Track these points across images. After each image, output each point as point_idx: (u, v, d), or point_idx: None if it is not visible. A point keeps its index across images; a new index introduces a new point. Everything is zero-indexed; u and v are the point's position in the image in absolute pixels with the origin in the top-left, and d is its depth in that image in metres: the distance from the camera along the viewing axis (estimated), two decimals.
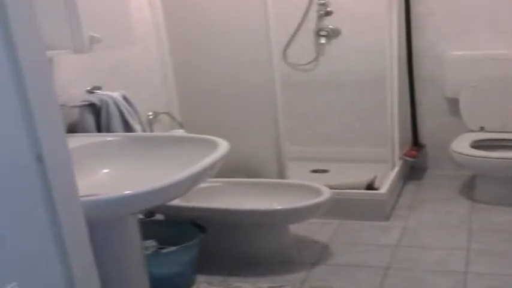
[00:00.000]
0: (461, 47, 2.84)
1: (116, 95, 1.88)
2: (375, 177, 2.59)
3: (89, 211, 0.90)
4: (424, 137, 3.09)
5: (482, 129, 2.82)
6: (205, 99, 2.50)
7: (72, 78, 1.87)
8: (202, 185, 1.60)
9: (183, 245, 1.88)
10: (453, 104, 2.92)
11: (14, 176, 0.75)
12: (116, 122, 1.84)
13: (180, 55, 2.47)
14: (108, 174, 1.48)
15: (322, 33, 3.02)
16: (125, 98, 1.91)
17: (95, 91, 1.87)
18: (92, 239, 0.90)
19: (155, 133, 2.23)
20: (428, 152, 3.09)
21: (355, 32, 2.97)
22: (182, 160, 1.36)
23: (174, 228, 2.02)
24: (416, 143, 3.07)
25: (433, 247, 2.20)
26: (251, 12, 2.33)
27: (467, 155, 2.54)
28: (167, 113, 2.42)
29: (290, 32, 3.07)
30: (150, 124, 2.28)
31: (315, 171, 3.02)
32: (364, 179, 2.56)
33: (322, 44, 3.04)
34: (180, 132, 2.29)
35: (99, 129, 1.83)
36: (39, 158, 0.77)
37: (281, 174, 2.48)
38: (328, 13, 2.98)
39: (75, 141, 1.47)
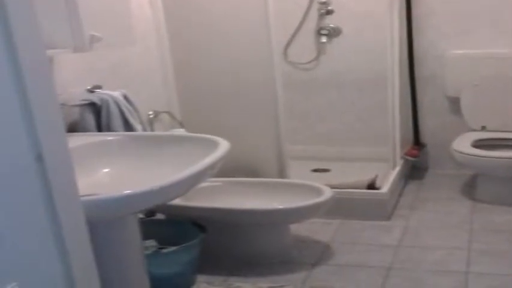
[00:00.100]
0: (463, 46, 2.83)
1: (117, 94, 1.88)
2: (376, 176, 2.58)
3: (89, 211, 0.90)
4: (425, 137, 3.08)
5: (483, 128, 2.81)
6: (205, 98, 2.50)
7: (73, 77, 1.87)
8: (203, 184, 1.60)
9: (184, 244, 1.88)
10: (454, 103, 2.92)
11: (14, 175, 0.74)
12: (116, 121, 1.83)
13: (180, 54, 2.47)
14: (109, 174, 1.47)
15: (323, 32, 3.02)
16: (125, 97, 1.91)
17: (95, 90, 1.87)
18: (92, 238, 0.89)
19: (155, 132, 2.23)
20: (429, 151, 3.09)
21: (356, 31, 2.96)
22: (182, 159, 1.36)
23: (175, 227, 2.01)
24: (417, 142, 3.07)
25: (434, 247, 2.20)
26: (252, 11, 2.33)
27: (469, 155, 2.54)
28: (167, 112, 2.42)
29: (291, 31, 3.06)
30: (151, 123, 2.28)
31: (315, 170, 3.01)
32: (365, 178, 2.56)
33: (323, 43, 3.03)
34: (181, 131, 2.28)
35: (99, 128, 1.82)
36: (39, 158, 0.77)
37: (282, 174, 2.48)
38: (329, 12, 2.98)
39: (76, 141, 1.47)
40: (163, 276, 1.82)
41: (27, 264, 0.77)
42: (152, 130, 2.26)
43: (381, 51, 2.69)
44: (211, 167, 1.32)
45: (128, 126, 1.86)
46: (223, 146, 1.41)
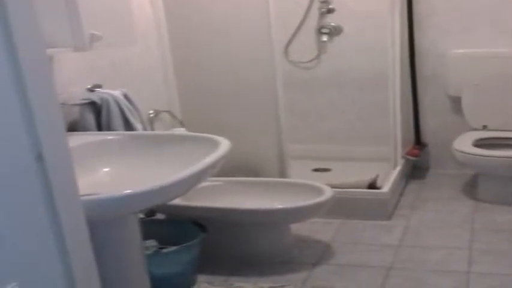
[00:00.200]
0: (464, 45, 2.83)
1: (117, 93, 1.87)
2: (377, 176, 2.58)
3: (90, 210, 0.90)
4: (427, 136, 3.08)
5: (485, 127, 2.81)
6: (206, 97, 2.49)
7: (73, 77, 1.86)
8: (204, 184, 1.59)
9: (184, 244, 1.88)
10: (456, 103, 2.91)
11: (14, 175, 0.74)
12: (117, 120, 1.83)
13: (181, 53, 2.46)
14: (109, 173, 1.47)
15: (324, 30, 3.01)
16: (126, 96, 1.90)
17: (96, 89, 1.86)
18: (93, 238, 0.89)
19: (156, 132, 2.22)
20: (430, 150, 3.08)
21: (357, 29, 2.96)
22: (183, 159, 1.35)
23: (175, 227, 2.01)
24: (418, 141, 3.06)
25: (435, 247, 2.19)
26: (252, 10, 2.32)
27: (470, 154, 2.53)
28: (168, 112, 2.41)
29: (291, 30, 3.05)
30: (151, 122, 2.27)
31: (316, 170, 3.01)
32: (366, 178, 2.55)
33: (324, 41, 3.02)
34: (181, 130, 2.28)
35: (99, 127, 1.82)
36: (40, 157, 0.77)
37: (282, 173, 2.48)
38: (330, 10, 2.97)
39: (76, 140, 1.46)
40: (164, 276, 1.81)
41: (27, 264, 0.77)
42: (153, 129, 2.25)
43: (382, 50, 2.69)
44: (211, 166, 1.31)
45: (128, 126, 1.86)
46: (224, 145, 1.40)
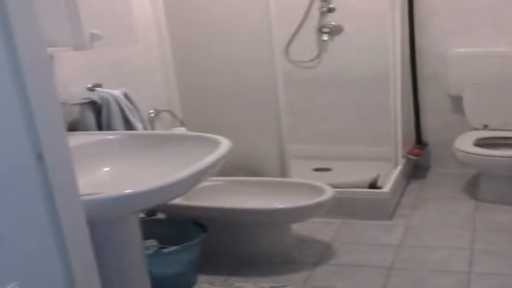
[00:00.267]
0: (465, 44, 2.82)
1: (117, 92, 1.87)
2: (378, 175, 2.57)
3: (90, 210, 0.90)
4: (427, 135, 3.07)
5: (485, 127, 2.80)
6: (206, 97, 2.49)
7: (73, 76, 1.86)
8: (204, 183, 1.59)
9: (184, 244, 1.87)
10: (456, 102, 2.91)
11: (14, 175, 0.74)
12: (117, 120, 1.82)
13: (181, 52, 2.46)
14: (109, 173, 1.47)
15: (325, 30, 3.01)
16: (126, 96, 1.90)
17: (96, 89, 1.86)
18: (93, 238, 0.89)
19: (156, 131, 2.22)
20: (431, 150, 3.08)
21: (357, 29, 2.95)
22: (183, 158, 1.35)
23: (175, 227, 2.00)
24: (419, 141, 3.06)
25: (436, 247, 2.19)
26: (253, 9, 2.32)
27: (471, 153, 2.53)
28: (168, 111, 2.41)
29: (292, 29, 3.05)
30: (151, 122, 2.27)
31: (317, 169, 3.00)
32: (367, 177, 2.55)
33: (325, 41, 3.02)
34: (182, 130, 2.27)
35: (99, 127, 1.81)
36: (40, 157, 0.77)
37: (283, 173, 2.47)
38: (330, 10, 2.97)
39: (76, 140, 1.46)
40: (164, 276, 1.81)
41: (28, 264, 0.77)
42: (153, 129, 2.25)
43: (383, 49, 2.68)
44: (212, 166, 1.31)
45: (128, 125, 1.85)
46: (225, 145, 1.40)
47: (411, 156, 2.91)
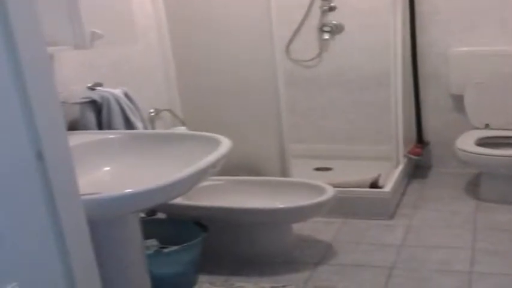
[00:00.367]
0: (466, 43, 2.82)
1: (117, 91, 1.86)
2: (379, 175, 2.57)
3: (90, 210, 0.89)
4: (429, 135, 3.07)
5: (487, 126, 2.80)
6: (207, 96, 2.49)
7: (73, 75, 1.85)
8: (205, 183, 1.59)
9: (185, 244, 1.87)
10: (458, 101, 2.90)
11: (14, 174, 0.74)
12: (117, 119, 1.82)
13: (182, 52, 2.45)
14: (109, 172, 1.46)
15: (326, 29, 3.00)
16: (126, 95, 1.90)
17: (96, 88, 1.85)
18: (93, 238, 0.88)
19: (157, 130, 2.22)
20: (432, 149, 3.07)
21: (359, 28, 2.95)
22: (184, 158, 1.34)
23: (176, 227, 2.00)
24: (420, 140, 3.05)
25: (437, 246, 2.18)
26: (254, 8, 2.31)
27: (472, 153, 2.52)
28: (169, 110, 2.41)
29: (293, 28, 3.05)
30: (152, 121, 2.26)
31: (318, 169, 3.00)
32: (368, 177, 2.54)
33: (326, 40, 3.01)
34: (182, 129, 2.27)
35: (100, 126, 1.81)
36: (40, 156, 0.76)
37: (284, 173, 2.47)
38: (331, 8, 2.96)
39: (76, 139, 1.45)
40: (165, 276, 1.81)
41: (28, 264, 0.77)
42: (153, 128, 2.25)
43: (384, 48, 2.68)
44: (213, 165, 1.30)
45: (128, 124, 1.85)
46: (225, 144, 1.40)
47: (412, 156, 2.90)
